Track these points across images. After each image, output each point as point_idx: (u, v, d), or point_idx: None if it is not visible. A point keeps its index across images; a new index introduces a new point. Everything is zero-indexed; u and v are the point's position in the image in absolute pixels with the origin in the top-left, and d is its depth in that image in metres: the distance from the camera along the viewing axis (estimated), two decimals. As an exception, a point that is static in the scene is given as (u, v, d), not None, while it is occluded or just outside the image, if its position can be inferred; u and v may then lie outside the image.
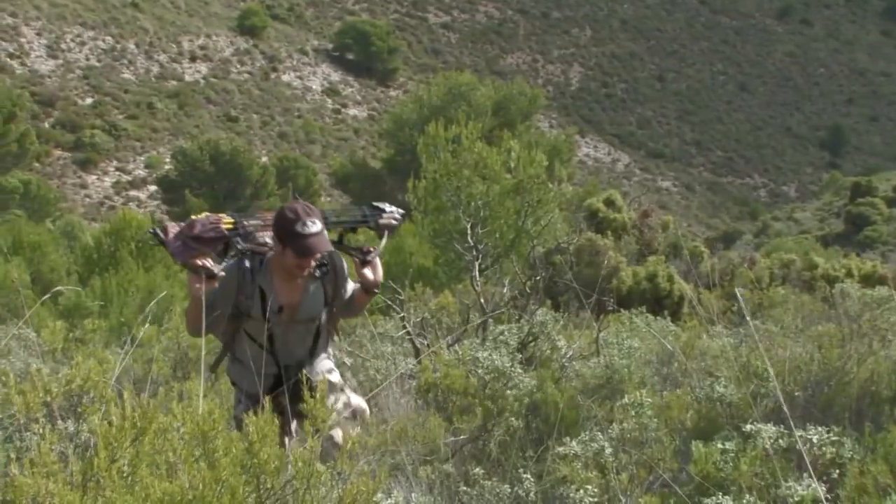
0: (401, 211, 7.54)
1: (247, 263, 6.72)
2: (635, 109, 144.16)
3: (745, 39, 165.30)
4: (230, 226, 6.68)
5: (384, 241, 7.37)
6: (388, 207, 7.46)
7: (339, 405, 6.98)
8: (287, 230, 6.54)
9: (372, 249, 7.10)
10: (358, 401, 7.31)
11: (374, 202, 7.63)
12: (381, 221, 7.38)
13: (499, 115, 66.51)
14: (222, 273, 6.53)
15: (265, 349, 6.86)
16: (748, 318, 7.62)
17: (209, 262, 6.45)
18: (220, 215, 6.75)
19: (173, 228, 6.56)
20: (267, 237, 6.77)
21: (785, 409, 5.80)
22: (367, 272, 7.05)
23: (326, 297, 7.05)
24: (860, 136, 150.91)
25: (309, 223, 6.52)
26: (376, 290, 7.20)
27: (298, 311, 6.89)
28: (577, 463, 6.48)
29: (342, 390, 7.23)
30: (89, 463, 3.96)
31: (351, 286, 7.21)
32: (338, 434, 6.67)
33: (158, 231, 6.61)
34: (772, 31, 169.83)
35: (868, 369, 8.06)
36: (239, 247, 6.66)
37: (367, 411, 7.38)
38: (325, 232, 6.69)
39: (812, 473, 5.76)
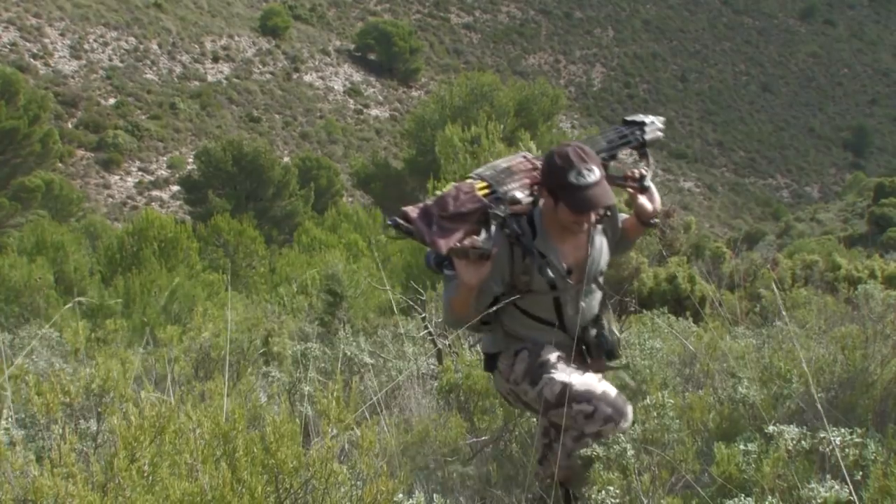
0: (661, 118, 6.48)
1: (516, 230, 5.60)
2: (657, 110, 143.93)
3: (768, 40, 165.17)
4: (486, 190, 5.58)
5: (651, 158, 6.32)
6: (646, 118, 6.36)
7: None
8: (558, 182, 5.49)
9: (644, 173, 6.14)
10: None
11: (625, 118, 6.45)
12: (648, 136, 6.30)
13: (521, 115, 66.33)
14: (495, 250, 5.37)
15: (551, 323, 5.89)
16: (779, 316, 7.60)
17: (478, 241, 5.32)
18: (469, 181, 5.67)
19: (414, 211, 5.52)
20: (517, 192, 5.65)
21: (818, 408, 5.78)
22: (645, 201, 6.15)
23: (610, 244, 6.12)
24: (884, 136, 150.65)
25: (585, 171, 5.44)
26: (656, 221, 6.26)
27: (588, 269, 5.86)
28: (598, 464, 6.47)
29: None
30: (109, 463, 3.96)
31: (620, 219, 6.29)
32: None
33: (399, 220, 5.56)
34: (795, 31, 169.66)
35: (891, 371, 8.03)
36: (500, 213, 5.51)
37: None
38: (605, 179, 5.59)
39: (842, 475, 5.74)
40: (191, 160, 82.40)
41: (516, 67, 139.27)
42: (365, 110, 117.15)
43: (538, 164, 5.79)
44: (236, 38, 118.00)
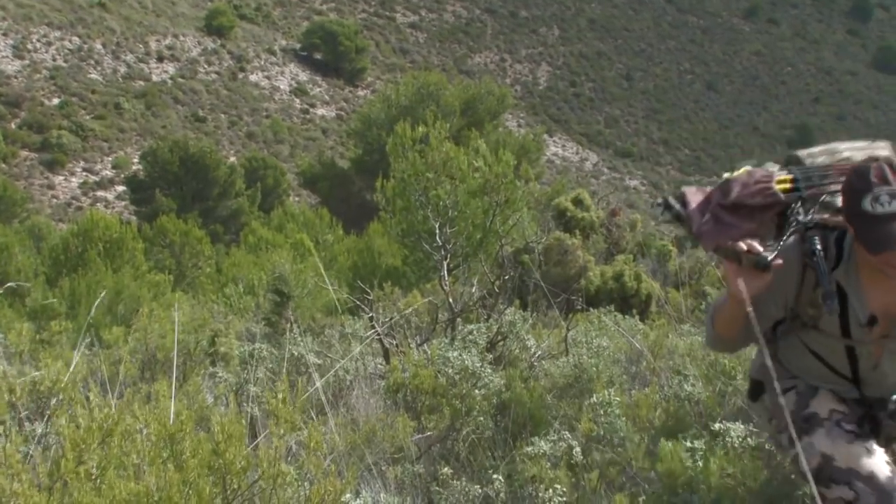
0: None
1: (817, 247, 4.21)
2: (603, 108, 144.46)
3: (713, 38, 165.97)
4: (787, 185, 4.38)
5: None
6: None
7: None
8: (851, 208, 4.09)
9: None
10: None
11: None
12: None
13: (467, 114, 66.62)
14: (779, 262, 4.07)
15: (842, 375, 4.52)
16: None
17: (757, 245, 4.04)
18: (772, 170, 4.54)
19: (695, 195, 4.47)
20: (834, 197, 4.37)
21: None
22: None
23: None
24: (827, 134, 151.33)
25: (885, 197, 3.97)
26: None
27: None
28: (545, 462, 6.48)
29: None
30: (56, 464, 3.94)
31: None
32: None
33: (673, 201, 4.53)
34: (739, 30, 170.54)
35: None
36: (800, 219, 4.28)
37: None
38: None
39: (785, 471, 5.78)
40: (136, 160, 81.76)
41: (462, 66, 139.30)
42: (311, 110, 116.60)
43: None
44: (181, 38, 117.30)
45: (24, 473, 3.90)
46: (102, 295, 16.82)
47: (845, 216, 4.14)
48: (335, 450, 6.53)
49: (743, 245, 4.03)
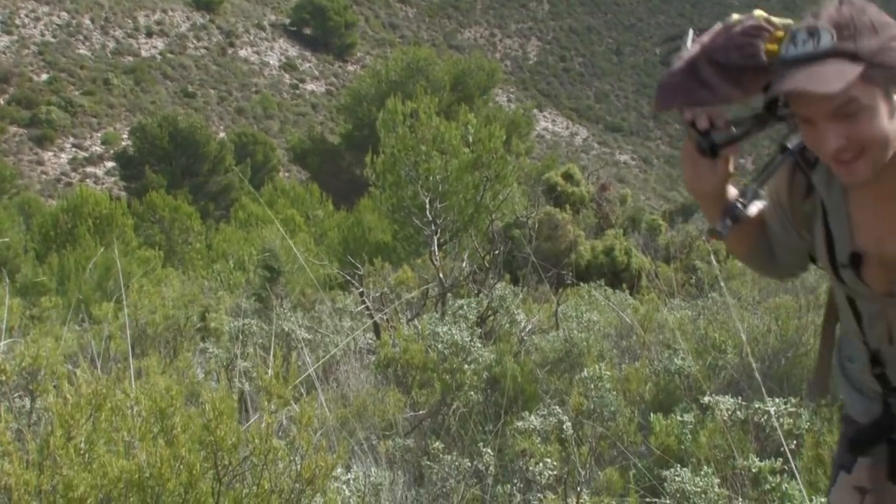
0: None
1: (790, 141, 3.17)
2: (593, 83, 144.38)
3: (702, 12, 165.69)
4: (775, 47, 2.76)
5: None
6: None
7: None
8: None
9: None
10: None
11: None
12: None
13: (457, 89, 66.49)
14: (733, 148, 3.01)
15: (863, 342, 3.08)
16: (715, 288, 7.66)
17: (705, 117, 2.88)
18: (784, 22, 2.81)
19: (717, 34, 2.90)
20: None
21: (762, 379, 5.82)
22: None
23: None
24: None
25: (801, 35, 2.62)
26: None
27: None
28: (536, 436, 6.48)
29: None
30: (45, 441, 3.93)
31: None
32: None
33: (691, 37, 2.93)
34: (728, 3, 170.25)
35: (825, 341, 8.09)
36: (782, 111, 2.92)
37: None
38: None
39: (772, 445, 5.79)
40: (125, 136, 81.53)
41: (452, 41, 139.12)
42: (301, 85, 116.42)
43: None
44: (170, 13, 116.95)
45: (14, 452, 3.88)
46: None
47: None
48: (325, 425, 6.51)
49: (688, 113, 2.88)
